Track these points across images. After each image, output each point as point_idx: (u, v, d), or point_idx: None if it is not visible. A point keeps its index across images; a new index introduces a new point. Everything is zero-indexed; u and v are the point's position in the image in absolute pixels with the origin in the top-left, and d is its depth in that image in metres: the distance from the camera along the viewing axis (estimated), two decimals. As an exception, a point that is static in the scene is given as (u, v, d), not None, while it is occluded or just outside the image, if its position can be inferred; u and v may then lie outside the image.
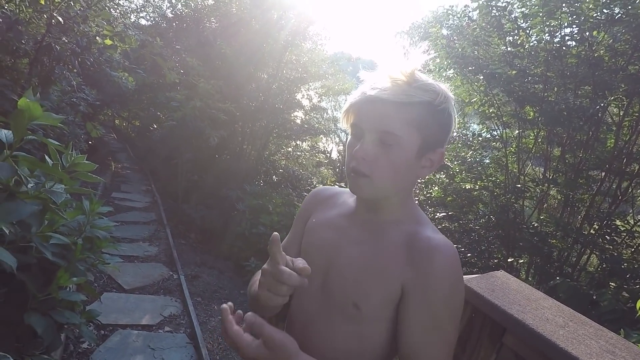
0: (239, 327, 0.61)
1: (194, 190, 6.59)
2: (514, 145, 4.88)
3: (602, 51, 3.91)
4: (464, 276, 0.98)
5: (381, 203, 0.76)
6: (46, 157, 1.30)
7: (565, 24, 3.98)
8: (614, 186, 4.03)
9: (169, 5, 9.69)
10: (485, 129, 5.38)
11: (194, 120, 5.87)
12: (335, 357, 0.73)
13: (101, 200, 1.70)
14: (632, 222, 3.92)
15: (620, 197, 3.98)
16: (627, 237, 3.83)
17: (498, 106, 4.75)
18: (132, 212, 5.85)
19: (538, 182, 4.42)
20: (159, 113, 8.45)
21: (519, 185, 4.31)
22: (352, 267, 0.73)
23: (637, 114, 3.93)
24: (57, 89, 3.91)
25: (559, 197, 4.78)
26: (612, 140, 4.08)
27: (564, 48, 4.10)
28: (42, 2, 3.13)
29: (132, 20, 9.12)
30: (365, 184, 0.71)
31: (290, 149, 10.07)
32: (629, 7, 3.49)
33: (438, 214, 4.90)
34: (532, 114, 4.40)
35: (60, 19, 3.26)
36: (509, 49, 4.55)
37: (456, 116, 0.73)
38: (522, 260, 4.44)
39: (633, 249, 3.89)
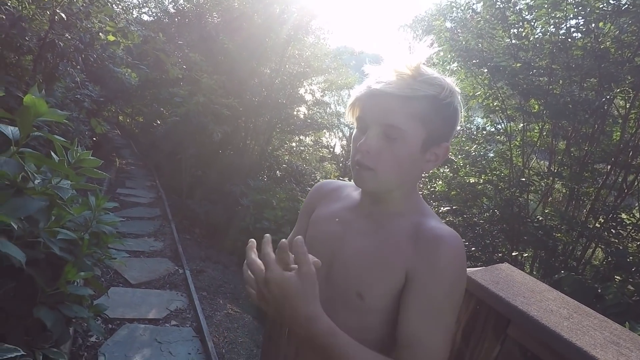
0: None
1: (198, 185, 6.63)
2: (518, 139, 4.85)
3: (608, 43, 3.86)
4: (468, 269, 0.98)
5: (385, 196, 0.76)
6: (52, 153, 1.31)
7: (571, 16, 3.93)
8: (620, 179, 4.00)
9: (170, 0, 9.67)
10: (489, 123, 5.35)
11: (198, 116, 5.88)
12: None
13: (107, 196, 1.72)
14: (638, 215, 3.89)
15: (626, 191, 3.95)
16: (632, 231, 3.81)
17: (502, 99, 4.72)
18: (137, 207, 5.89)
19: (543, 176, 4.39)
20: (162, 109, 8.47)
21: (524, 179, 4.29)
22: (356, 258, 0.74)
23: (643, 106, 3.89)
24: (61, 86, 3.92)
25: (564, 191, 4.76)
26: (618, 133, 4.04)
27: (569, 40, 4.06)
28: (45, -1, 3.14)
29: (135, 16, 9.12)
30: (369, 177, 0.71)
31: (293, 144, 10.06)
32: (636, -3, 3.44)
33: (442, 208, 4.90)
34: (536, 107, 4.37)
35: (63, 15, 3.27)
36: (513, 41, 4.51)
37: (462, 111, 0.73)
38: (526, 254, 4.43)
39: (639, 243, 3.87)
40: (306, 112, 9.00)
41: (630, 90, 3.67)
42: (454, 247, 0.67)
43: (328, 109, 9.85)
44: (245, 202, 5.47)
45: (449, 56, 5.04)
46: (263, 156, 7.83)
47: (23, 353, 1.06)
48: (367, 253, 0.73)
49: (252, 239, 0.65)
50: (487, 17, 4.67)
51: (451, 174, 5.09)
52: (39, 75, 3.55)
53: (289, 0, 7.15)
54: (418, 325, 0.65)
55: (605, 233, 3.75)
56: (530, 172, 4.66)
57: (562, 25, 4.07)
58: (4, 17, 2.97)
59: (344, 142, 11.39)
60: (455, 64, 5.23)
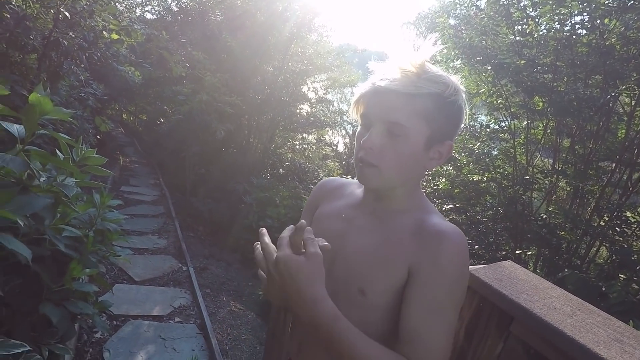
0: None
1: (202, 183, 6.65)
2: (522, 137, 4.82)
3: (613, 39, 3.82)
4: (472, 266, 0.98)
5: (388, 193, 0.76)
6: (57, 151, 1.32)
7: (576, 12, 3.89)
8: (625, 177, 3.97)
9: (173, -2, 9.68)
10: (493, 120, 5.32)
11: (201, 114, 5.89)
12: None
13: (111, 194, 1.73)
14: (642, 213, 3.87)
15: (631, 189, 3.92)
16: (637, 229, 3.78)
17: (506, 97, 4.69)
18: (141, 205, 5.92)
19: (547, 174, 4.37)
20: (165, 107, 8.49)
21: (528, 177, 4.27)
22: (358, 255, 0.74)
23: (649, 104, 3.86)
24: (66, 84, 3.94)
25: (568, 189, 4.72)
26: (623, 131, 4.01)
27: (574, 37, 4.02)
28: (49, -3, 3.15)
29: (138, 14, 9.13)
30: (372, 174, 0.72)
31: (296, 142, 10.07)
32: (642, -7, 3.41)
33: (445, 206, 4.88)
34: (541, 104, 4.34)
35: (67, 13, 3.27)
36: (517, 38, 4.48)
37: (467, 109, 0.73)
38: (530, 252, 4.42)
39: (644, 241, 3.84)
40: (309, 109, 9.01)
41: (636, 87, 3.64)
42: (456, 244, 0.67)
43: (331, 106, 9.85)
44: (248, 200, 5.49)
45: (453, 53, 5.01)
46: (266, 154, 7.84)
47: (29, 349, 1.07)
48: (369, 249, 0.74)
49: (263, 228, 0.70)
50: (491, 13, 4.64)
51: (454, 172, 5.08)
52: (44, 73, 3.56)
53: (292, -2, 7.15)
54: (419, 321, 0.65)
55: (610, 231, 3.72)
56: (534, 170, 4.64)
57: (567, 22, 4.04)
58: (8, 16, 2.99)
59: (347, 140, 11.37)
60: (459, 61, 5.20)
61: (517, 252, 4.15)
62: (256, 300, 3.77)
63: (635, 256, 3.43)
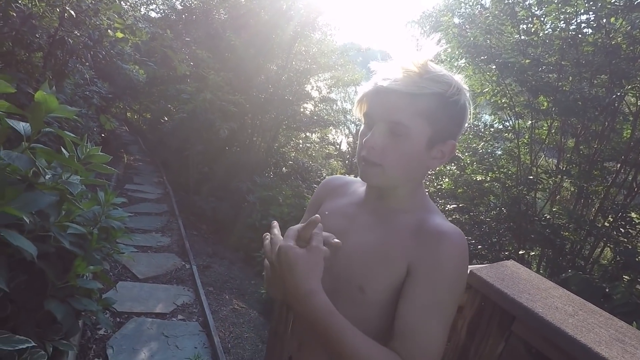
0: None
1: (205, 182, 6.67)
2: (526, 136, 4.80)
3: (619, 38, 3.79)
4: (474, 266, 0.98)
5: (390, 192, 0.77)
6: (62, 149, 1.33)
7: (582, 11, 3.87)
8: (630, 178, 3.94)
9: (178, -4, 9.70)
10: (497, 120, 5.30)
11: (204, 113, 5.91)
12: None
13: (115, 192, 1.74)
14: (647, 214, 3.84)
15: (636, 189, 3.89)
16: (642, 230, 3.76)
17: (511, 96, 4.67)
18: (145, 203, 5.95)
19: (551, 174, 4.34)
20: (169, 105, 8.52)
21: (531, 177, 4.25)
22: (359, 251, 0.75)
23: (655, 104, 3.83)
24: (71, 82, 3.97)
25: (573, 189, 4.70)
26: (629, 131, 3.98)
27: (579, 36, 3.99)
28: (55, -4, 3.17)
29: (142, 12, 9.15)
30: (374, 173, 0.72)
31: (299, 141, 10.07)
32: (649, -8, 3.38)
33: (448, 205, 4.87)
34: (545, 104, 4.31)
35: (72, 12, 3.30)
36: (522, 37, 4.45)
37: (471, 108, 0.73)
38: (533, 253, 4.40)
39: (648, 242, 3.81)
40: (312, 108, 9.00)
41: (642, 87, 3.62)
42: (456, 244, 0.67)
43: (334, 105, 9.84)
44: (251, 199, 5.50)
45: (457, 52, 4.99)
46: (269, 153, 7.86)
47: (34, 344, 1.09)
48: (369, 247, 0.74)
49: (275, 221, 0.74)
50: (496, 12, 4.62)
51: (458, 172, 5.06)
52: (49, 72, 3.58)
53: (296, -4, 7.15)
54: (413, 318, 0.65)
55: (614, 232, 3.70)
56: (538, 170, 4.62)
57: (573, 21, 4.01)
58: (14, 14, 3.01)
59: (351, 139, 11.36)
60: (463, 61, 5.19)
61: (520, 252, 4.13)
62: (259, 299, 3.79)
63: (640, 257, 3.40)
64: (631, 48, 3.70)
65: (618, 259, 3.67)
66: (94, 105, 4.93)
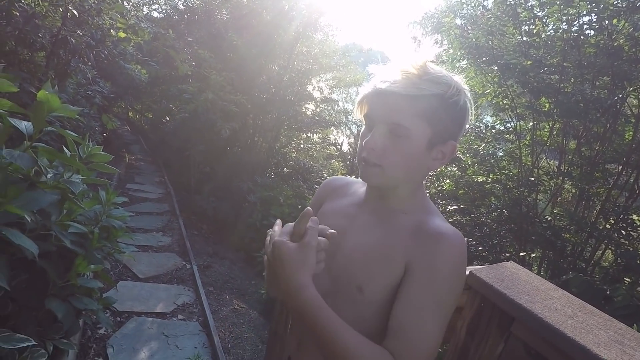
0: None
1: (206, 181, 6.68)
2: (528, 138, 4.79)
3: (621, 40, 3.79)
4: (474, 267, 0.98)
5: (391, 192, 0.77)
6: (64, 148, 1.33)
7: (584, 12, 3.86)
8: (632, 180, 3.94)
9: (180, -4, 9.72)
10: (498, 121, 5.30)
11: (206, 113, 5.92)
12: None
13: (116, 191, 1.74)
14: (649, 216, 3.83)
15: (637, 191, 3.88)
16: (643, 232, 3.75)
17: (512, 97, 4.67)
18: (146, 203, 5.96)
19: (552, 175, 4.34)
20: (171, 105, 8.54)
21: (533, 179, 4.25)
22: (358, 251, 0.75)
23: (657, 106, 3.83)
24: (73, 82, 3.98)
25: (574, 191, 4.70)
26: (631, 133, 3.98)
27: (581, 37, 3.99)
28: (58, -4, 3.18)
29: (145, 12, 9.18)
30: (374, 173, 0.72)
31: (301, 141, 10.08)
32: (651, -6, 3.38)
33: (449, 207, 4.87)
34: (547, 105, 4.31)
35: (75, 12, 3.31)
36: (524, 38, 4.45)
37: (472, 109, 0.73)
38: (534, 255, 4.39)
39: (650, 244, 3.80)
40: (314, 109, 9.01)
41: (644, 89, 3.61)
42: (454, 245, 0.67)
43: (336, 106, 9.84)
44: (252, 199, 5.51)
45: (459, 53, 4.99)
46: (270, 153, 7.86)
47: (34, 343, 1.09)
48: (368, 247, 0.74)
49: (279, 219, 0.75)
50: (498, 13, 4.62)
51: (459, 173, 5.06)
52: (52, 71, 3.60)
53: (298, -4, 7.16)
54: (407, 317, 0.65)
55: (616, 234, 3.69)
56: (540, 171, 4.61)
57: (575, 22, 4.01)
58: (17, 14, 3.02)
59: (352, 140, 11.37)
60: (465, 62, 5.18)
61: (521, 254, 4.13)
62: (259, 299, 3.79)
63: (641, 259, 3.39)
64: (633, 50, 3.70)
65: (619, 261, 3.67)
66: (96, 105, 4.94)
